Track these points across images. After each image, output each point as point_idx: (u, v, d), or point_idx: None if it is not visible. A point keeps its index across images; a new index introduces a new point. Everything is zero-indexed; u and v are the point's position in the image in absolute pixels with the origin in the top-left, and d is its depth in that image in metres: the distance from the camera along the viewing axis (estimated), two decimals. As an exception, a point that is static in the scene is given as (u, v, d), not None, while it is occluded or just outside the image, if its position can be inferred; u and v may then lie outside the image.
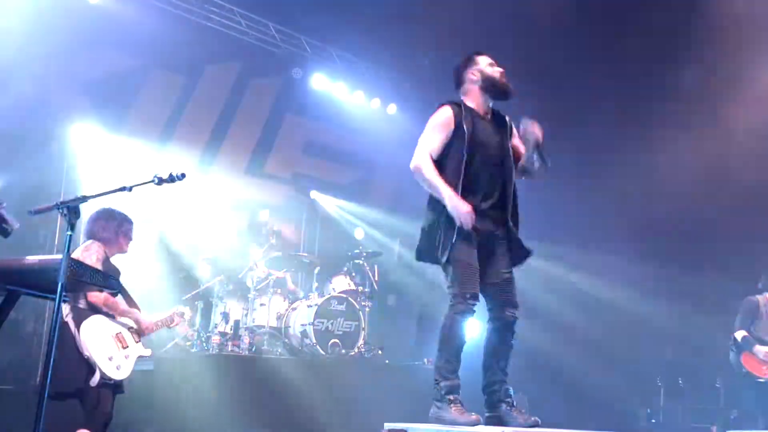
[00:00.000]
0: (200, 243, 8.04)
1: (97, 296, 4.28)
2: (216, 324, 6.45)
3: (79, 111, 7.56)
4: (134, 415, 6.48)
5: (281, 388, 5.70)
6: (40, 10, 6.84)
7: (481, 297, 3.74)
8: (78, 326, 4.20)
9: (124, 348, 4.39)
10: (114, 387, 4.38)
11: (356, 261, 7.56)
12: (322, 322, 6.27)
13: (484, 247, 3.73)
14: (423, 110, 9.63)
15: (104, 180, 7.52)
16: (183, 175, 3.38)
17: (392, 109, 9.77)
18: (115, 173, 7.73)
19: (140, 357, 4.50)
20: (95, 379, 4.16)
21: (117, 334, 4.38)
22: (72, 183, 7.24)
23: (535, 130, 3.78)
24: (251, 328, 6.39)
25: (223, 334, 6.30)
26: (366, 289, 7.16)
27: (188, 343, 6.54)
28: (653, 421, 7.47)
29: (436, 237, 3.71)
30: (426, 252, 3.82)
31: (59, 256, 2.56)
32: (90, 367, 4.17)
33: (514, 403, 3.67)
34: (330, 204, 10.03)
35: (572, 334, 7.81)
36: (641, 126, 7.58)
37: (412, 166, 3.73)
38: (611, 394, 7.36)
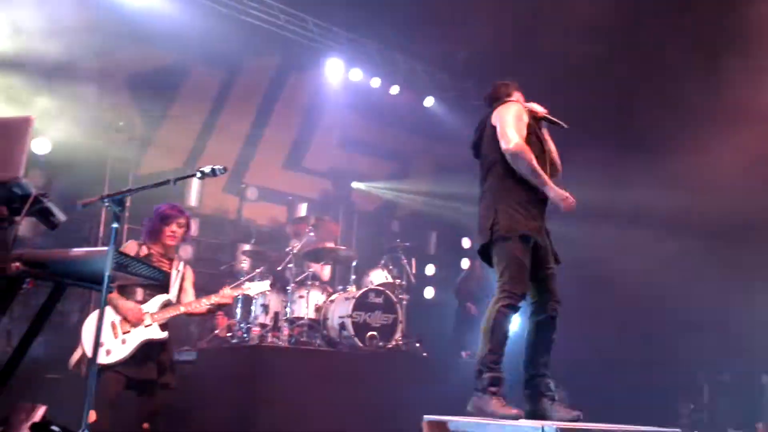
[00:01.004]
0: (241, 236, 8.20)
1: None
2: (256, 316, 6.53)
3: (124, 106, 7.74)
4: (175, 405, 6.62)
5: (320, 380, 5.74)
6: (87, 6, 7.01)
7: None
8: (85, 308, 4.47)
9: (124, 333, 4.55)
10: (127, 377, 4.54)
11: (393, 254, 7.57)
12: (360, 315, 6.29)
13: (537, 243, 3.79)
14: (459, 103, 9.66)
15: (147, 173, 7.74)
16: (224, 169, 3.46)
17: (429, 101, 9.75)
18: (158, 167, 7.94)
19: (149, 339, 4.63)
20: (71, 362, 4.50)
21: (116, 321, 4.59)
22: (116, 176, 7.41)
23: (534, 110, 4.01)
24: (291, 319, 6.45)
25: (263, 326, 6.37)
26: (403, 282, 7.17)
27: (229, 334, 6.64)
28: (696, 418, 7.34)
29: (493, 232, 3.77)
30: (484, 248, 3.88)
31: (105, 248, 2.62)
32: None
33: (556, 398, 3.65)
34: (369, 195, 10.08)
35: (612, 328, 7.69)
36: (688, 119, 7.41)
37: (512, 148, 3.75)
38: (652, 389, 7.25)
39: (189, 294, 4.99)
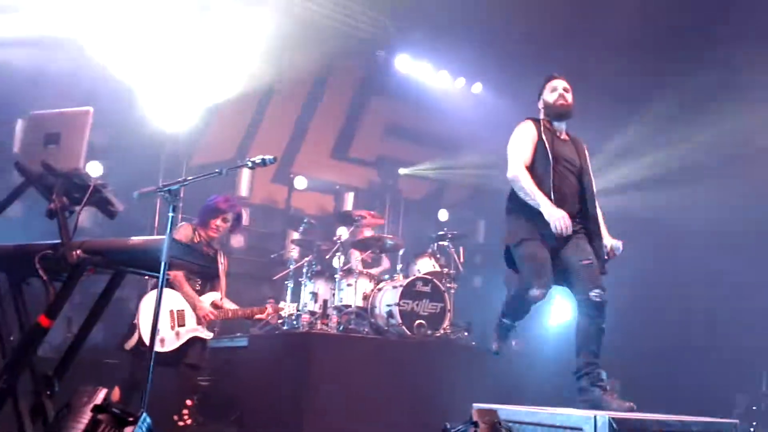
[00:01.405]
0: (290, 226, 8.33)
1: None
2: (305, 303, 6.63)
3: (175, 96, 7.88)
4: (227, 388, 6.76)
5: (369, 367, 5.79)
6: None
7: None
8: (142, 296, 4.58)
9: (180, 326, 4.70)
10: (164, 363, 4.66)
11: (441, 243, 7.55)
12: (408, 303, 6.30)
13: (560, 240, 3.91)
14: (509, 88, 9.51)
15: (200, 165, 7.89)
16: (274, 159, 3.51)
17: (477, 88, 9.65)
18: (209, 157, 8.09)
19: (198, 338, 4.77)
20: (130, 343, 4.61)
21: (176, 311, 4.74)
22: (170, 167, 7.59)
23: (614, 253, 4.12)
24: (339, 307, 6.52)
25: (312, 313, 6.46)
26: (451, 271, 7.14)
27: (280, 321, 6.75)
28: (754, 408, 7.12)
29: (507, 243, 4.11)
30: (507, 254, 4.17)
31: (162, 237, 2.69)
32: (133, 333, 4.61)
33: (608, 388, 3.61)
34: (416, 184, 10.07)
35: (666, 315, 7.52)
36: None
37: (509, 175, 4.05)
38: (708, 379, 7.06)
39: (223, 285, 5.14)
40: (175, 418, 4.67)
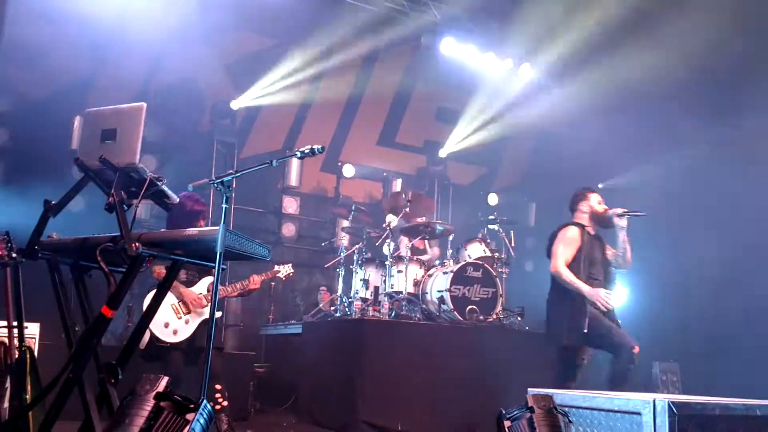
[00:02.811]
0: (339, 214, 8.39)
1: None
2: (357, 290, 6.67)
3: (223, 90, 8.02)
4: (283, 374, 6.87)
5: (421, 353, 5.80)
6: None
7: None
8: (144, 297, 4.82)
9: (186, 314, 4.88)
10: (186, 352, 4.84)
11: (491, 227, 7.48)
12: (459, 289, 6.28)
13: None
14: (558, 68, 9.27)
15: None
16: (322, 149, 3.52)
17: (526, 68, 9.44)
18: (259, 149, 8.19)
19: (206, 320, 4.90)
20: (142, 343, 4.72)
21: (176, 303, 4.90)
22: (222, 158, 7.73)
23: (616, 212, 4.91)
24: (390, 294, 6.54)
25: (364, 300, 6.50)
26: (502, 256, 7.08)
27: (332, 308, 6.83)
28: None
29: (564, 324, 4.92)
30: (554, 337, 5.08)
31: (217, 228, 2.74)
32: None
33: None
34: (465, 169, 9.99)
35: (727, 299, 7.29)
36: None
37: (552, 271, 5.00)
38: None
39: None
40: (211, 404, 4.78)
